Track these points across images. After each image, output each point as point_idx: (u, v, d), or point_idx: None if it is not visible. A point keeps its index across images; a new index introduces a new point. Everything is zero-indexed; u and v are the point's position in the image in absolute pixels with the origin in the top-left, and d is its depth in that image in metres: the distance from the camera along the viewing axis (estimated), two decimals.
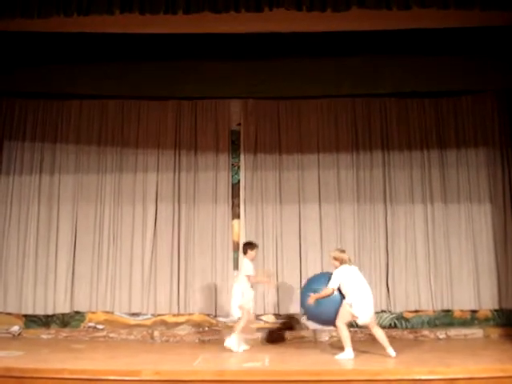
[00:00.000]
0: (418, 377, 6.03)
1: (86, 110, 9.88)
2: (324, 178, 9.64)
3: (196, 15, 7.18)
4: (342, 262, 7.69)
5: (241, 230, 9.55)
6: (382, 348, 7.32)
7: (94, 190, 9.66)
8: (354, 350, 7.43)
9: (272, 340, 8.85)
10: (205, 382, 6.07)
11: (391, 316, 9.21)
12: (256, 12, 7.15)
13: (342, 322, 7.42)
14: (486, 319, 9.21)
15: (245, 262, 8.21)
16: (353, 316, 7.41)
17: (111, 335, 9.19)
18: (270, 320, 9.25)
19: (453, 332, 9.01)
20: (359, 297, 7.39)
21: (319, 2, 6.95)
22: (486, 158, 9.62)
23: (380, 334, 7.41)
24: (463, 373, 6.06)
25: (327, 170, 9.65)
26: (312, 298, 7.58)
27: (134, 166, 9.71)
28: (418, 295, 9.20)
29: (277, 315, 9.26)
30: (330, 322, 7.58)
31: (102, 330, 9.26)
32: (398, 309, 9.12)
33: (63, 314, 9.31)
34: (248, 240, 8.76)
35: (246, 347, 7.97)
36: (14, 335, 9.13)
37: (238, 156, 9.78)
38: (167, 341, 9.09)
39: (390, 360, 7.04)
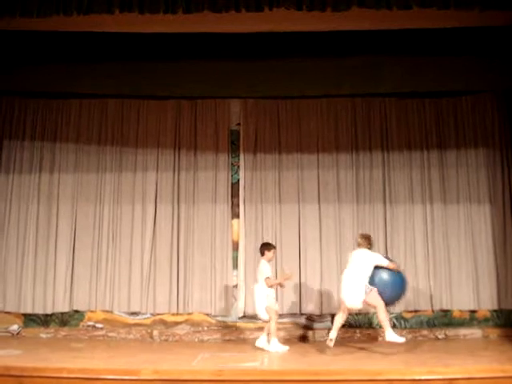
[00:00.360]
0: (417, 377, 6.01)
1: (86, 109, 9.87)
2: (323, 178, 9.64)
3: (196, 15, 7.18)
4: (358, 245, 8.11)
5: (240, 230, 9.56)
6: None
7: (94, 189, 9.66)
8: (352, 349, 7.44)
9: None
10: (203, 381, 6.05)
11: (390, 316, 9.17)
12: (256, 12, 7.15)
13: (340, 307, 7.87)
14: (485, 319, 9.21)
15: (262, 263, 8.15)
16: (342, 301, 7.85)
17: (110, 334, 9.19)
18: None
19: (452, 332, 9.01)
20: (347, 280, 7.78)
21: (319, 1, 6.95)
22: (486, 159, 9.61)
23: (381, 318, 7.55)
24: (462, 373, 6.04)
25: (327, 170, 9.65)
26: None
27: (133, 166, 9.71)
28: (417, 295, 9.19)
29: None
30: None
31: (101, 329, 9.27)
32: (397, 309, 9.11)
33: (62, 313, 9.32)
34: (265, 241, 8.71)
35: (285, 348, 7.90)
36: (13, 334, 9.13)
37: (238, 156, 9.78)
38: (166, 340, 9.09)
39: (389, 360, 7.03)
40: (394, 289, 7.69)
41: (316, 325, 9.23)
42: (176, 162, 9.73)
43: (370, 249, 7.97)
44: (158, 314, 9.34)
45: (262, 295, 7.98)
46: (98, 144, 9.79)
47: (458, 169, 9.60)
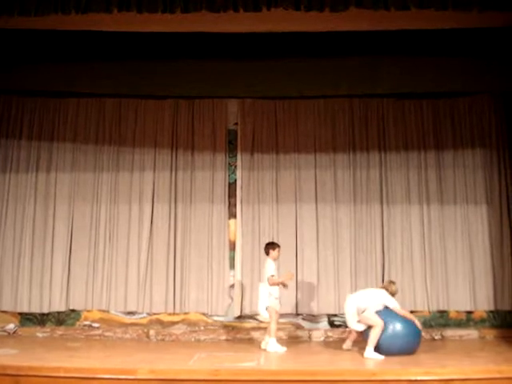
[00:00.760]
0: (413, 377, 6.02)
1: (83, 108, 9.86)
2: (321, 178, 9.64)
3: (194, 14, 7.16)
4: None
5: (237, 230, 9.55)
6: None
7: (91, 189, 9.65)
8: (350, 350, 7.44)
9: None
10: (200, 381, 6.06)
11: None
12: (254, 12, 7.14)
13: None
14: (482, 320, 9.22)
15: (268, 262, 8.15)
16: None
17: (107, 334, 9.18)
18: (265, 320, 9.21)
19: (448, 333, 9.01)
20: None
21: (317, 1, 6.94)
22: (483, 160, 9.63)
23: (371, 334, 7.39)
24: (458, 374, 6.06)
25: (324, 170, 9.65)
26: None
27: (130, 165, 9.70)
28: (414, 296, 9.20)
29: None
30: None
31: (97, 328, 9.26)
32: None
33: (59, 313, 9.31)
34: (269, 241, 8.70)
35: (283, 349, 7.89)
36: (9, 333, 9.12)
37: (235, 155, 9.78)
38: (163, 340, 9.08)
39: (386, 360, 7.03)
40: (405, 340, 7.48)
41: (312, 325, 9.23)
42: (173, 162, 9.72)
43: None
44: (155, 314, 9.33)
45: (265, 294, 7.98)
46: (96, 143, 9.78)
47: (455, 169, 9.61)
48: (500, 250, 9.30)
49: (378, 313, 7.48)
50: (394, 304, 7.61)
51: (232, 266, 9.43)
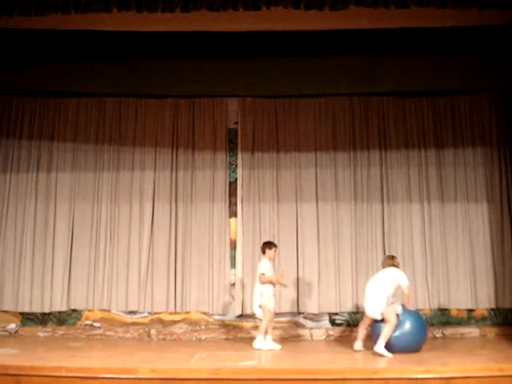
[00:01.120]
0: (414, 375, 6.02)
1: (84, 107, 9.87)
2: (321, 177, 9.64)
3: (194, 13, 7.16)
4: (382, 266, 8.08)
5: (238, 229, 9.56)
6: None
7: (91, 188, 9.66)
8: (349, 348, 7.44)
9: None
10: (201, 380, 6.05)
11: None
12: (254, 10, 7.14)
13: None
14: (483, 318, 9.22)
15: (262, 261, 8.17)
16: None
17: (108, 333, 9.19)
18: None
19: (449, 331, 9.02)
20: (368, 292, 7.75)
21: (317, 0, 6.94)
22: (483, 158, 9.63)
23: (384, 330, 7.32)
24: (460, 372, 6.05)
25: (324, 169, 9.65)
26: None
27: (131, 164, 9.71)
28: (415, 294, 9.15)
29: (273, 314, 9.22)
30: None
31: (98, 328, 9.27)
32: None
33: (60, 312, 9.32)
34: (267, 240, 8.68)
35: (276, 346, 7.90)
36: (10, 333, 9.13)
37: (236, 154, 9.78)
38: (164, 339, 9.09)
39: (386, 358, 7.04)
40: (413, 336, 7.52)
41: (313, 323, 9.23)
42: (174, 161, 9.73)
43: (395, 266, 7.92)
44: (156, 313, 9.34)
45: (257, 292, 8.01)
46: (96, 143, 9.78)
47: (455, 167, 9.61)
48: (501, 247, 9.31)
49: None
50: (406, 282, 7.71)
51: (233, 264, 9.44)
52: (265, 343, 7.86)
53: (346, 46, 8.78)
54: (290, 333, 9.09)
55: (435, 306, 9.21)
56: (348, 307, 9.20)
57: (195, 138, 9.80)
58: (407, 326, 7.43)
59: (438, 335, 8.98)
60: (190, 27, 8.09)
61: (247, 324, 9.09)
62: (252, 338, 8.21)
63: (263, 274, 7.98)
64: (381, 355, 7.10)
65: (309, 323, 9.26)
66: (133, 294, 9.31)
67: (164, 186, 9.66)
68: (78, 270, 9.41)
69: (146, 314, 9.34)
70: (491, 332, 9.02)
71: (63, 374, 6.06)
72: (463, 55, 8.84)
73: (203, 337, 9.09)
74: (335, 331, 9.13)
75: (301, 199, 9.58)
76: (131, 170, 9.70)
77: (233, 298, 9.34)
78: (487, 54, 8.81)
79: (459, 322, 9.19)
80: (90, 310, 9.35)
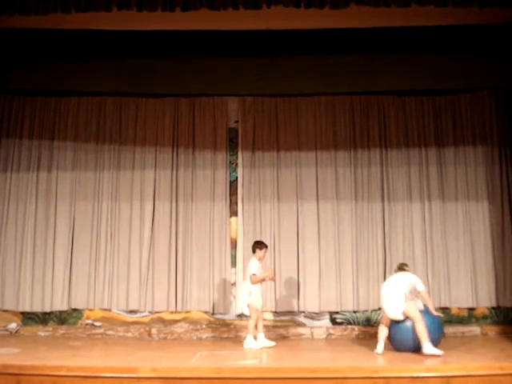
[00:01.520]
0: (415, 374, 6.02)
1: (84, 107, 9.88)
2: (322, 176, 9.64)
3: (193, 12, 7.17)
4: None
5: (238, 228, 9.56)
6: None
7: (92, 188, 9.66)
8: (352, 347, 7.43)
9: None
10: (202, 379, 6.05)
11: None
12: (254, 9, 7.15)
13: (382, 321, 7.65)
14: (484, 317, 9.22)
15: (251, 261, 8.20)
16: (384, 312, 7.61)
17: (109, 332, 9.19)
18: (267, 317, 9.24)
19: (450, 329, 8.98)
20: (385, 293, 7.59)
21: None
22: (484, 156, 9.63)
23: (418, 329, 7.18)
24: (460, 370, 6.05)
25: (325, 168, 9.65)
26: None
27: (131, 164, 9.71)
28: None
29: (274, 312, 9.25)
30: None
31: (99, 327, 9.27)
32: None
33: (61, 312, 9.32)
34: (257, 239, 8.71)
35: (270, 344, 7.94)
36: (11, 332, 9.13)
37: (236, 153, 9.78)
38: (165, 338, 9.10)
39: (387, 357, 7.04)
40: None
41: (314, 322, 9.23)
42: (174, 160, 9.73)
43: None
44: (157, 312, 9.34)
45: (246, 291, 8.07)
46: (96, 142, 9.79)
47: (456, 166, 9.61)
48: (501, 246, 9.30)
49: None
50: (422, 286, 7.65)
51: (233, 263, 9.44)
52: (255, 342, 7.91)
53: (347, 45, 8.75)
54: (291, 331, 9.09)
55: (436, 304, 9.10)
56: (349, 306, 9.19)
57: (196, 137, 9.80)
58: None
59: None
60: (190, 26, 8.10)
61: (247, 323, 9.08)
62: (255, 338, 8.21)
63: (254, 274, 8.02)
64: (432, 355, 6.92)
65: (309, 322, 9.25)
66: (133, 294, 9.31)
67: (164, 185, 9.66)
68: (79, 269, 9.41)
69: (146, 313, 9.34)
70: (492, 330, 9.03)
71: (64, 373, 6.07)
72: (464, 54, 8.81)
73: (204, 336, 9.10)
74: (336, 330, 9.13)
75: (301, 198, 9.58)
76: (132, 169, 9.70)
77: (233, 297, 9.34)
78: (488, 52, 8.77)
79: (460, 321, 9.19)
80: (90, 310, 9.35)
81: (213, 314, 9.31)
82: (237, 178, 9.72)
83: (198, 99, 9.86)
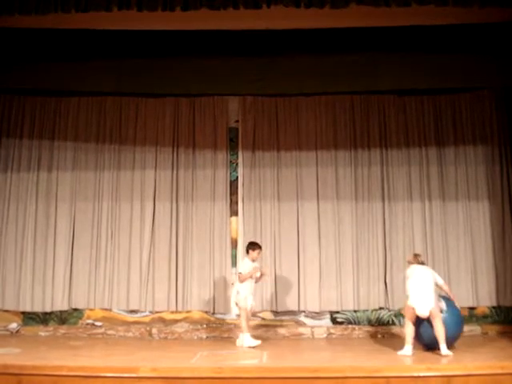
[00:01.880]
0: (415, 374, 6.02)
1: (84, 107, 9.88)
2: (322, 176, 9.63)
3: (194, 12, 7.18)
4: (410, 262, 7.75)
5: (239, 227, 9.55)
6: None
7: (92, 188, 9.66)
8: (353, 346, 7.42)
9: None
10: (203, 378, 6.06)
11: (389, 313, 9.20)
12: (254, 9, 7.16)
13: (406, 316, 7.42)
14: (484, 316, 9.23)
15: (243, 260, 8.28)
16: (411, 307, 7.31)
17: (109, 332, 9.19)
18: (267, 317, 9.24)
19: None
20: (416, 289, 7.34)
21: None
22: (485, 156, 9.63)
23: (437, 329, 7.17)
24: (461, 370, 6.06)
25: (325, 168, 9.65)
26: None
27: (131, 164, 9.71)
28: None
29: (274, 312, 9.25)
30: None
31: (100, 327, 9.27)
32: (397, 306, 9.08)
33: (61, 311, 9.32)
34: (252, 240, 8.72)
35: (257, 342, 7.95)
36: (12, 332, 9.13)
37: (236, 153, 9.78)
38: (165, 338, 9.10)
39: (388, 357, 7.04)
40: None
41: (315, 322, 9.23)
42: (174, 160, 9.73)
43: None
44: (157, 312, 9.33)
45: (234, 290, 8.14)
46: (97, 142, 9.79)
47: (456, 166, 9.61)
48: (502, 245, 9.31)
49: None
50: (441, 280, 7.64)
51: (234, 263, 9.43)
52: (251, 339, 7.95)
53: (347, 45, 8.75)
54: (292, 331, 9.10)
55: None
56: (349, 305, 9.19)
57: (196, 137, 9.80)
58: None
59: None
60: (190, 26, 8.10)
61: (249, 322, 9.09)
62: (254, 337, 8.21)
63: (240, 273, 8.09)
64: (447, 356, 6.93)
65: (310, 321, 9.25)
66: (134, 293, 9.31)
67: (165, 184, 9.66)
68: (79, 269, 9.41)
69: (147, 313, 9.34)
70: (492, 330, 9.03)
71: (65, 373, 6.07)
72: (464, 53, 8.81)
73: (204, 336, 9.10)
74: (336, 329, 9.13)
75: (302, 198, 9.58)
76: (132, 169, 9.70)
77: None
78: (488, 51, 8.77)
79: None
80: (91, 309, 9.35)
81: (213, 313, 9.30)
82: (237, 177, 9.72)
83: (198, 99, 9.86)
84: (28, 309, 9.26)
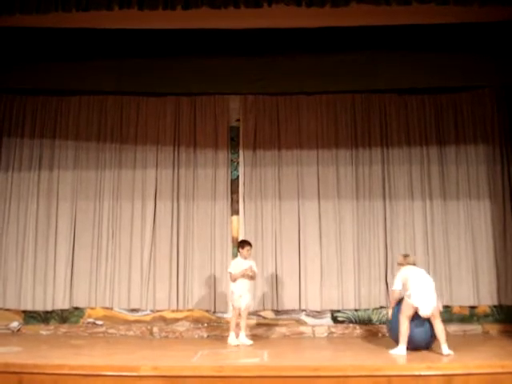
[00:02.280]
0: (416, 372, 6.03)
1: (85, 106, 9.87)
2: (323, 175, 9.63)
3: (195, 11, 7.18)
4: (401, 264, 7.73)
5: (240, 226, 9.55)
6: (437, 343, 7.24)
7: (93, 187, 9.66)
8: (354, 345, 7.41)
9: None
10: (203, 377, 6.07)
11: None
12: (255, 8, 7.17)
13: (402, 315, 7.32)
14: (485, 315, 9.22)
15: (235, 260, 8.37)
16: (413, 307, 7.24)
17: (110, 331, 9.19)
18: (268, 316, 9.25)
19: (452, 328, 8.96)
20: (419, 288, 7.30)
21: None
22: (486, 155, 9.61)
23: (438, 330, 7.22)
24: (461, 369, 6.06)
25: (326, 166, 9.64)
26: (389, 311, 7.59)
27: (133, 163, 9.70)
28: None
29: (275, 311, 9.25)
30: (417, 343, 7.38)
31: (101, 325, 9.27)
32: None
33: (62, 310, 9.32)
34: (243, 238, 8.76)
35: (247, 342, 8.01)
36: (13, 331, 9.13)
37: (237, 152, 9.78)
38: (166, 337, 9.10)
39: (389, 355, 7.04)
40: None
41: (316, 321, 9.23)
42: (175, 159, 9.72)
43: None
44: (158, 311, 9.34)
45: (230, 291, 8.25)
46: (98, 141, 9.79)
47: (457, 165, 9.60)
48: (503, 244, 9.29)
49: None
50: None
51: None
52: (235, 339, 8.02)
53: (348, 44, 8.78)
54: (293, 330, 9.10)
55: None
56: (350, 304, 9.18)
57: (197, 136, 9.80)
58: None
59: None
60: (191, 25, 8.12)
61: (249, 321, 9.06)
62: (254, 336, 8.24)
63: (230, 272, 8.19)
64: (449, 355, 6.95)
65: (311, 320, 9.24)
66: (135, 292, 9.31)
67: (166, 183, 9.66)
68: (81, 268, 9.41)
69: (148, 312, 9.34)
70: (493, 329, 9.02)
71: (66, 371, 6.08)
72: (465, 52, 8.82)
73: (205, 334, 9.10)
74: (337, 328, 9.13)
75: (303, 197, 9.57)
76: (133, 168, 9.70)
77: None
78: (489, 50, 8.79)
79: (462, 319, 9.18)
80: (92, 308, 9.35)
81: (214, 312, 9.30)
82: (238, 176, 9.72)
83: (199, 98, 9.85)
84: (29, 308, 9.27)
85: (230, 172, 9.73)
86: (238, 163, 9.76)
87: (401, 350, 7.15)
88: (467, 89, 9.63)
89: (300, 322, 9.25)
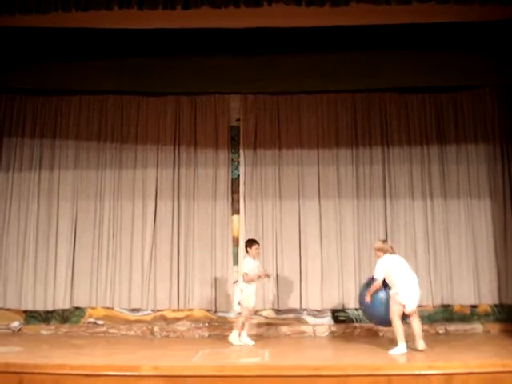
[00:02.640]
0: (416, 371, 6.03)
1: (86, 106, 9.88)
2: (324, 174, 9.63)
3: (195, 10, 7.18)
4: (384, 251, 7.62)
5: (240, 226, 9.56)
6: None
7: (94, 186, 9.67)
8: (354, 344, 7.41)
9: None
10: (204, 377, 6.07)
11: None
12: (255, 7, 7.17)
13: (395, 315, 7.30)
14: (486, 314, 9.22)
15: (245, 259, 8.30)
16: (401, 304, 7.24)
17: (111, 331, 9.20)
18: (269, 315, 9.25)
19: (452, 327, 9.02)
20: (405, 285, 7.28)
21: None
22: (486, 154, 9.62)
23: (416, 325, 7.28)
24: (462, 368, 6.06)
25: (327, 166, 9.65)
26: (367, 296, 7.51)
27: (133, 162, 9.71)
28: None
29: (276, 310, 9.25)
30: (385, 321, 7.47)
31: (101, 325, 9.28)
32: None
33: (63, 310, 9.33)
34: (250, 237, 8.74)
35: (250, 342, 8.01)
36: (13, 331, 9.14)
37: (238, 151, 9.78)
38: (167, 336, 9.11)
39: (389, 355, 7.04)
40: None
41: (316, 320, 9.23)
42: (176, 159, 9.73)
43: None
44: (159, 311, 9.35)
45: (238, 289, 8.17)
46: (98, 141, 9.80)
47: (458, 164, 9.60)
48: (504, 243, 9.30)
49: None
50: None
51: (235, 262, 9.42)
52: (238, 339, 8.01)
53: (348, 43, 8.75)
54: (293, 329, 9.11)
55: (438, 302, 9.20)
56: (351, 304, 9.18)
57: (197, 136, 9.80)
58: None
59: (441, 331, 8.99)
60: (191, 24, 8.11)
61: (250, 321, 9.09)
62: (255, 335, 8.24)
63: (246, 273, 8.10)
64: (424, 349, 7.09)
65: (312, 320, 9.25)
66: (136, 292, 9.32)
67: (166, 183, 9.66)
68: (81, 267, 9.42)
69: (148, 312, 9.35)
70: (494, 328, 9.02)
71: (66, 371, 6.09)
72: (465, 51, 8.81)
73: (206, 334, 9.10)
74: (338, 328, 9.14)
75: (303, 196, 9.57)
76: (133, 168, 9.70)
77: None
78: (489, 49, 8.76)
79: (462, 318, 9.19)
80: (93, 308, 9.36)
81: (215, 312, 9.30)
82: (239, 176, 9.72)
83: (200, 97, 9.85)
84: (30, 307, 9.28)
85: (230, 171, 9.73)
86: (238, 163, 9.76)
87: (401, 348, 7.15)
88: (468, 88, 9.63)
89: (301, 322, 9.25)
